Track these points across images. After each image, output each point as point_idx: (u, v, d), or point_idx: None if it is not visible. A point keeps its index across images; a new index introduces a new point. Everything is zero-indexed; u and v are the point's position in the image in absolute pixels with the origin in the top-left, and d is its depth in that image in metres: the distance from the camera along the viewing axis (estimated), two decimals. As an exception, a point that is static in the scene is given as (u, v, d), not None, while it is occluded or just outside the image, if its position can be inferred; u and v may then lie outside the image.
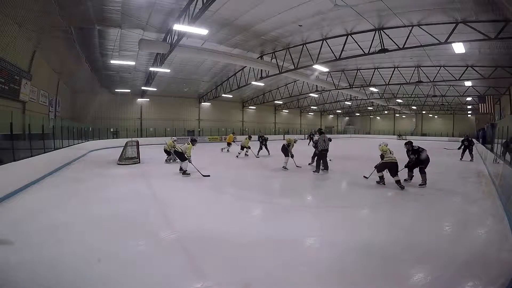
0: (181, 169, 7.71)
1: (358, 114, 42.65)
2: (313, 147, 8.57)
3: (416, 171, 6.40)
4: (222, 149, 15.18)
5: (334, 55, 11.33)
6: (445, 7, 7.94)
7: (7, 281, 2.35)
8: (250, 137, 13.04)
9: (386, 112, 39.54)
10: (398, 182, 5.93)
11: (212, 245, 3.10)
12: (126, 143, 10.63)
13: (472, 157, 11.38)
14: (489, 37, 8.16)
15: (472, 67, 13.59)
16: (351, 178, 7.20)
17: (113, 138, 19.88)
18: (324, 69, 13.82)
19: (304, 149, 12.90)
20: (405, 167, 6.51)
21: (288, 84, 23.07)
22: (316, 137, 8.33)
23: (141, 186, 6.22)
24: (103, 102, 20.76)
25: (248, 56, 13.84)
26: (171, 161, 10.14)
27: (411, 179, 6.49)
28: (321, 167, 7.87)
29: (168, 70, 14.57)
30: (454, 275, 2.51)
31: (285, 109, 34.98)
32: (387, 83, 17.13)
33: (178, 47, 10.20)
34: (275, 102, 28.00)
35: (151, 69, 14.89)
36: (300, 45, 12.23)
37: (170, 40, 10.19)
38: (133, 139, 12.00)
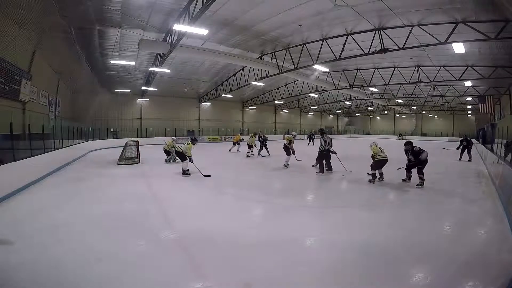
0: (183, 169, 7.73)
1: (358, 114, 42.65)
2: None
3: (414, 171, 6.37)
4: (230, 149, 14.97)
5: (334, 55, 11.33)
6: (445, 7, 7.94)
7: (7, 281, 2.35)
8: (255, 134, 13.07)
9: (386, 112, 39.54)
10: (381, 174, 6.66)
11: (212, 245, 3.10)
12: (126, 143, 10.64)
13: (470, 157, 11.37)
14: (489, 37, 8.16)
15: (472, 67, 13.59)
16: (351, 178, 7.20)
17: (113, 138, 19.88)
18: (324, 69, 13.83)
19: (304, 149, 12.89)
20: (406, 169, 6.46)
21: (288, 84, 23.07)
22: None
23: (141, 186, 6.22)
24: (103, 102, 20.73)
25: (248, 56, 13.85)
26: (171, 161, 10.14)
27: (409, 179, 6.47)
28: (324, 167, 7.79)
29: (168, 70, 14.58)
30: (454, 275, 2.51)
31: (285, 109, 34.98)
32: (387, 83, 17.13)
33: (178, 47, 10.21)
34: (275, 102, 28.01)
35: (151, 69, 14.91)
36: (300, 45, 12.23)
37: (170, 40, 10.19)
38: (133, 139, 12.00)
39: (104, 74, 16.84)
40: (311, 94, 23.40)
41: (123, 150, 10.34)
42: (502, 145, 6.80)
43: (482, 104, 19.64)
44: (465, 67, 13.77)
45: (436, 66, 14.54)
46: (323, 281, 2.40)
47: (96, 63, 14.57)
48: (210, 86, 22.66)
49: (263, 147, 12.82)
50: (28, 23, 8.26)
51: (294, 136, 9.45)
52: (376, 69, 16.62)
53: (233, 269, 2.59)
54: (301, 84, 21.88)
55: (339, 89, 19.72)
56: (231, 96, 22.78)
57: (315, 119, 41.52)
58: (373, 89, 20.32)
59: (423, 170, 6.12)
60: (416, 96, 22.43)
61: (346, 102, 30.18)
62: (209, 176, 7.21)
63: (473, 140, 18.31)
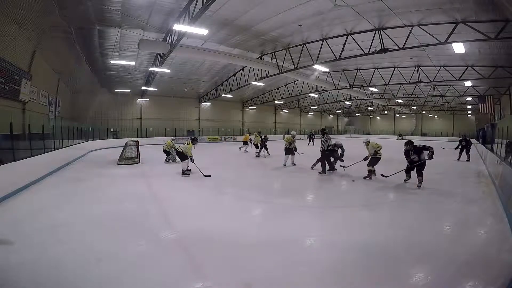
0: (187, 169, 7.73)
1: (358, 114, 42.65)
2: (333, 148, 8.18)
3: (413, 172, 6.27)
4: (240, 147, 15.14)
5: (334, 55, 11.33)
6: (445, 7, 7.94)
7: (7, 281, 2.35)
8: (259, 133, 13.10)
9: (386, 112, 39.54)
10: (374, 171, 6.94)
11: (212, 245, 3.10)
12: (126, 143, 10.63)
13: (468, 157, 11.34)
14: (489, 37, 8.16)
15: (472, 67, 13.59)
16: (351, 178, 7.19)
17: (113, 138, 19.88)
18: (324, 69, 13.82)
19: (304, 149, 12.87)
20: (406, 171, 6.33)
21: (288, 84, 23.07)
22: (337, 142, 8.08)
23: (141, 186, 6.22)
24: (103, 102, 20.75)
25: (248, 56, 13.85)
26: (171, 161, 10.14)
27: (409, 178, 6.41)
28: (326, 167, 7.76)
29: (168, 70, 14.58)
30: (454, 275, 2.51)
31: (285, 109, 34.98)
32: (387, 83, 17.13)
33: (178, 47, 10.20)
34: (275, 102, 28.00)
35: (151, 69, 14.89)
36: (300, 45, 12.22)
37: (170, 40, 10.19)
38: (133, 139, 12.01)
39: (104, 74, 16.82)
40: (311, 94, 23.39)
41: (123, 150, 10.34)
42: (504, 145, 6.72)
43: (482, 104, 19.64)
44: (465, 67, 13.76)
45: (436, 66, 14.54)
46: (323, 281, 2.40)
47: (96, 63, 14.57)
48: (210, 86, 22.66)
49: (263, 147, 12.83)
50: (28, 23, 8.27)
51: (293, 136, 9.45)
52: (376, 69, 16.62)
53: (233, 269, 2.59)
54: (301, 84, 21.87)
55: (339, 89, 19.71)
56: (231, 96, 22.77)
57: (315, 119, 41.52)
58: (373, 89, 20.31)
59: (423, 172, 6.04)
60: (416, 96, 22.42)
61: (346, 102, 30.16)
62: (209, 176, 7.21)
63: (473, 140, 18.32)
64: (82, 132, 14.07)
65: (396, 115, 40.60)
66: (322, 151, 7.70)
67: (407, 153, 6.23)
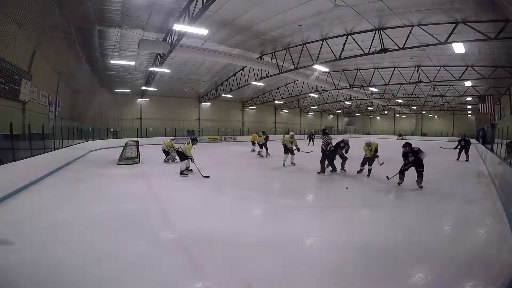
0: (187, 169, 7.73)
1: (358, 114, 42.64)
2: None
3: (407, 173, 6.13)
4: (252, 150, 14.38)
5: (334, 55, 11.33)
6: (445, 7, 7.94)
7: (7, 281, 2.35)
8: (263, 133, 12.98)
9: (386, 112, 39.52)
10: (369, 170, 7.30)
11: (212, 245, 3.10)
12: (126, 143, 10.63)
13: (467, 157, 11.29)
14: (489, 37, 8.16)
15: (472, 67, 13.59)
16: (351, 178, 7.20)
17: (113, 138, 19.87)
18: (324, 69, 13.82)
19: (304, 150, 12.87)
20: (401, 172, 6.17)
21: (288, 84, 23.06)
22: (343, 143, 8.03)
23: (141, 186, 6.22)
24: (103, 102, 20.75)
25: (248, 56, 13.84)
26: (170, 161, 10.14)
27: (402, 180, 6.22)
28: (326, 167, 7.73)
29: (168, 70, 14.58)
30: (454, 275, 2.51)
31: (285, 109, 34.97)
32: (387, 83, 17.13)
33: (178, 47, 10.20)
34: (275, 102, 27.99)
35: (151, 69, 14.89)
36: (300, 45, 12.22)
37: (170, 40, 10.18)
38: (133, 139, 12.00)
39: (104, 74, 16.82)
40: (311, 94, 23.39)
41: (123, 150, 10.33)
42: (505, 145, 6.69)
43: (482, 104, 19.63)
44: (465, 67, 13.76)
45: (436, 66, 14.54)
46: (323, 281, 2.40)
47: (96, 63, 14.57)
48: (210, 86, 22.66)
49: (264, 147, 12.82)
50: (28, 23, 8.27)
51: (292, 137, 9.31)
52: (376, 69, 16.62)
53: (233, 269, 2.59)
54: (301, 84, 21.87)
55: (339, 89, 19.71)
56: (231, 96, 22.77)
57: (315, 119, 41.51)
58: (373, 89, 20.31)
59: (423, 172, 5.92)
60: (416, 96, 22.42)
61: (346, 102, 30.16)
62: (208, 177, 7.18)
63: (473, 140, 18.31)
64: (82, 132, 14.07)
65: (396, 115, 40.59)
66: (323, 151, 7.69)
67: (405, 155, 6.12)
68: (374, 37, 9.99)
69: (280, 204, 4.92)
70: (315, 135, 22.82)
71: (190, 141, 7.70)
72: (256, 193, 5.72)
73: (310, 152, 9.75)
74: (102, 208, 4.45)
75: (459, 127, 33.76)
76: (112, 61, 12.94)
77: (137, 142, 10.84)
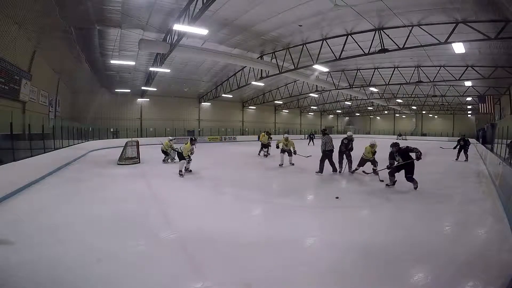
0: (187, 170, 7.69)
1: (358, 114, 42.63)
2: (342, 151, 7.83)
3: (398, 175, 5.94)
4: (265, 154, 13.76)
5: (334, 55, 11.33)
6: (445, 7, 7.94)
7: (7, 281, 2.35)
8: (267, 133, 12.68)
9: (386, 112, 39.53)
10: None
11: (212, 245, 3.10)
12: (126, 143, 10.62)
13: (467, 157, 11.28)
14: (489, 37, 8.16)
15: (472, 67, 13.59)
16: (351, 178, 7.20)
17: (113, 138, 19.87)
18: (324, 69, 13.82)
19: (304, 150, 12.87)
20: (390, 174, 5.94)
21: (288, 84, 23.06)
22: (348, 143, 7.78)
23: (141, 186, 6.22)
24: (103, 102, 20.75)
25: (248, 56, 13.84)
26: (169, 161, 10.13)
27: (394, 184, 5.99)
28: (324, 167, 7.70)
29: (168, 70, 14.58)
30: (454, 275, 2.51)
31: (285, 109, 34.97)
32: (387, 83, 17.12)
33: (178, 47, 10.20)
34: (275, 102, 27.99)
35: (151, 69, 14.90)
36: (300, 45, 12.23)
37: (170, 40, 10.19)
38: (133, 139, 12.00)
39: (104, 74, 16.83)
40: (311, 94, 23.39)
41: (123, 150, 10.32)
42: (506, 145, 6.66)
43: (482, 104, 19.62)
44: (465, 67, 13.76)
45: (436, 66, 14.53)
46: (323, 281, 2.40)
47: (96, 63, 14.57)
48: (210, 86, 22.66)
49: (268, 147, 12.78)
50: (28, 23, 8.27)
51: (286, 139, 9.17)
52: (376, 69, 16.61)
53: (233, 269, 2.59)
54: (301, 84, 21.87)
55: (339, 89, 19.72)
56: (231, 96, 22.77)
57: (315, 119, 41.50)
58: (373, 89, 20.32)
59: (413, 177, 5.64)
60: (416, 96, 22.42)
61: (346, 102, 30.19)
62: (191, 171, 7.44)
63: (473, 140, 18.30)
64: (82, 132, 14.07)
65: (396, 115, 40.59)
66: (323, 151, 7.69)
67: (391, 155, 5.86)
68: (374, 37, 9.99)
69: (280, 204, 4.92)
70: (315, 135, 22.81)
71: (188, 142, 7.68)
72: (256, 193, 5.72)
73: (309, 156, 9.68)
74: (102, 208, 4.45)
75: (459, 127, 33.76)
76: (112, 61, 12.94)
77: (137, 142, 10.83)
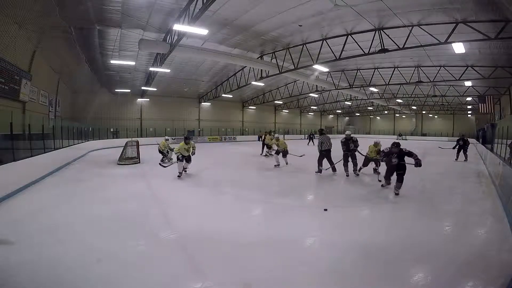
0: (184, 170, 7.52)
1: (358, 114, 42.61)
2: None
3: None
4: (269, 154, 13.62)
5: (334, 55, 11.33)
6: (445, 7, 7.93)
7: (7, 281, 2.35)
8: (270, 133, 12.62)
9: (386, 112, 39.50)
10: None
11: (212, 245, 3.10)
12: (126, 143, 10.61)
13: (466, 157, 11.26)
14: (489, 37, 8.15)
15: (472, 67, 13.58)
16: (351, 178, 7.20)
17: (113, 138, 19.86)
18: (324, 69, 13.82)
19: (303, 150, 12.88)
20: (386, 176, 5.77)
21: (288, 84, 23.05)
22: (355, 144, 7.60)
23: (141, 186, 6.22)
24: (103, 102, 20.74)
25: (248, 56, 13.84)
26: (166, 161, 9.99)
27: (389, 184, 5.83)
28: (327, 168, 7.67)
29: (168, 70, 14.57)
30: (454, 275, 2.51)
31: (285, 109, 34.95)
32: (387, 83, 17.11)
33: (178, 47, 10.20)
34: (275, 102, 27.98)
35: (151, 69, 14.89)
36: (300, 45, 12.22)
37: (170, 40, 10.18)
38: (133, 139, 11.99)
39: (104, 74, 16.82)
40: (311, 94, 23.38)
41: (123, 150, 10.32)
42: (507, 145, 6.62)
43: (482, 104, 19.61)
44: (465, 67, 13.75)
45: (436, 66, 14.52)
46: (323, 281, 2.41)
47: (96, 63, 14.56)
48: (210, 86, 22.66)
49: (264, 147, 12.80)
50: (28, 23, 8.27)
51: (277, 139, 9.14)
52: (376, 69, 16.61)
53: (233, 269, 2.59)
54: (301, 84, 21.86)
55: (339, 89, 19.71)
56: (231, 96, 22.76)
57: (315, 119, 41.49)
58: (373, 89, 20.31)
59: (404, 176, 5.31)
60: (416, 96, 22.40)
61: (346, 102, 30.13)
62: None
63: (473, 140, 18.28)
64: (82, 132, 14.06)
65: (396, 115, 40.56)
66: (320, 151, 7.69)
67: (388, 153, 5.47)
68: (374, 37, 9.98)
69: (280, 204, 4.92)
70: (315, 135, 22.81)
71: (182, 141, 7.39)
72: (256, 193, 5.72)
73: (302, 155, 9.67)
74: (102, 208, 4.45)
75: (459, 127, 33.73)
76: (112, 61, 12.93)
77: (137, 142, 10.82)
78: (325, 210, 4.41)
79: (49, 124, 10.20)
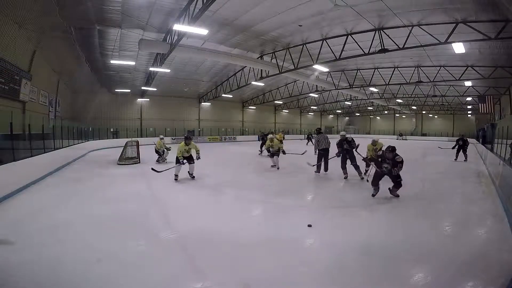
0: (190, 175, 7.15)
1: (358, 114, 42.61)
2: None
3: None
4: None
5: (334, 55, 11.33)
6: (445, 7, 7.94)
7: (7, 281, 2.35)
8: (273, 133, 12.38)
9: (386, 112, 39.50)
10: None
11: (212, 245, 3.10)
12: (126, 143, 10.61)
13: (466, 157, 11.22)
14: (489, 37, 8.16)
15: (472, 67, 13.59)
16: (351, 178, 7.19)
17: (113, 138, 19.87)
18: (324, 69, 13.82)
19: (303, 150, 12.86)
20: (374, 182, 5.26)
21: (288, 84, 23.06)
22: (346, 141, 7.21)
23: (141, 186, 6.22)
24: (103, 102, 20.75)
25: (248, 56, 13.84)
26: (161, 162, 9.92)
27: (377, 192, 5.27)
28: (322, 167, 7.70)
29: (168, 70, 14.57)
30: (454, 275, 2.51)
31: (285, 109, 34.96)
32: (387, 83, 17.12)
33: (178, 47, 10.20)
34: (275, 102, 27.99)
35: (151, 69, 14.90)
36: (300, 45, 12.23)
37: (170, 40, 10.19)
38: (133, 139, 11.99)
39: (104, 74, 16.83)
40: (311, 94, 23.39)
41: (123, 150, 10.32)
42: (507, 145, 6.60)
43: (482, 104, 19.61)
44: (465, 67, 13.76)
45: (436, 66, 14.53)
46: (323, 281, 2.40)
47: (96, 63, 14.57)
48: (210, 86, 22.66)
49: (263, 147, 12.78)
50: (28, 23, 8.27)
51: (271, 140, 9.00)
52: (376, 69, 16.61)
53: (233, 269, 2.59)
54: (301, 84, 21.87)
55: (339, 89, 19.71)
56: (231, 96, 22.77)
57: (315, 119, 41.50)
58: (373, 89, 20.31)
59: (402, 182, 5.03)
60: (416, 96, 22.41)
61: (346, 102, 30.16)
62: (158, 172, 6.69)
63: (473, 140, 18.27)
64: (82, 132, 14.07)
65: (396, 115, 40.56)
66: (319, 150, 7.67)
67: (381, 157, 5.14)
68: (374, 37, 9.99)
69: (280, 204, 4.92)
70: (313, 135, 22.81)
71: (183, 141, 6.92)
72: (256, 193, 5.72)
73: (304, 152, 9.59)
74: (102, 208, 4.45)
75: (459, 127, 33.72)
76: (112, 61, 12.94)
77: (137, 142, 10.82)
78: (309, 226, 3.71)
79: (49, 124, 10.22)
